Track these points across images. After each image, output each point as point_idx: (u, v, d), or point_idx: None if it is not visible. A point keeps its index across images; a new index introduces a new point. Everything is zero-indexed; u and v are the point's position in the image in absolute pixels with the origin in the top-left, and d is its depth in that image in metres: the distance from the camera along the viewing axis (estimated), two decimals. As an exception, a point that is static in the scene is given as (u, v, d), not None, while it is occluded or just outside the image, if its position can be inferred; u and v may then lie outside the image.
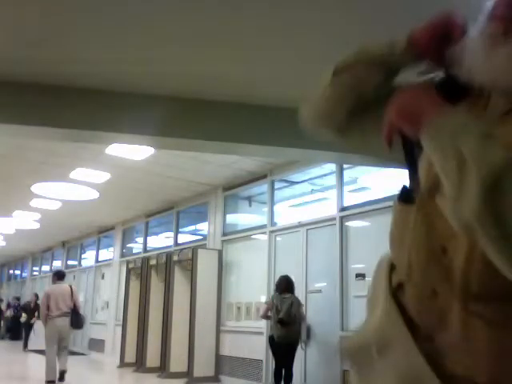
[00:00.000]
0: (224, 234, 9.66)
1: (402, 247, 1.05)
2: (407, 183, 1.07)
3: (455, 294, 0.93)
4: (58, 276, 8.53)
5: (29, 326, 15.70)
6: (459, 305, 0.93)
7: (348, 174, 7.47)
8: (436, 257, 0.96)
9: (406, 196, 1.06)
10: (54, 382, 7.96)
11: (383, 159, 1.31)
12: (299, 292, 7.52)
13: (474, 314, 0.91)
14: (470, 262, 0.91)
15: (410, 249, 1.02)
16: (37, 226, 13.98)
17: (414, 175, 1.05)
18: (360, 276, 6.77)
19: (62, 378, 8.12)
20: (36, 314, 14.73)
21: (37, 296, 15.78)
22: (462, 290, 0.92)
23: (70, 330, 8.28)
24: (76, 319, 8.16)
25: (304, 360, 7.36)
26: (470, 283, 0.91)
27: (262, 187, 8.94)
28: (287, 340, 6.77)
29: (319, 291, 7.59)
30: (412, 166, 1.05)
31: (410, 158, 1.06)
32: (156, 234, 12.92)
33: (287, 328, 6.72)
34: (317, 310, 7.46)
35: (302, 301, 7.28)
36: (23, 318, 16.13)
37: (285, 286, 6.98)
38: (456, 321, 0.92)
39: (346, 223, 7.17)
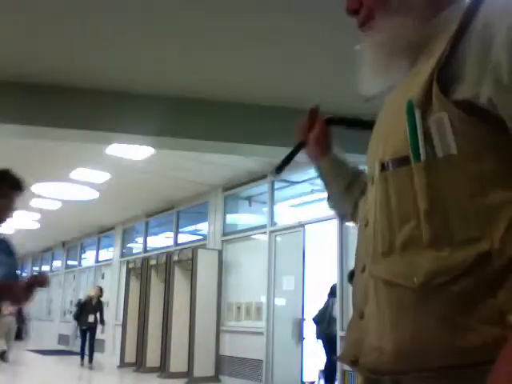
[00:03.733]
0: (224, 234, 9.66)
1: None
2: None
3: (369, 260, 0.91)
4: None
5: (90, 331, 11.33)
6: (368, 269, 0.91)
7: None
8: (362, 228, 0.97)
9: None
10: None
11: None
12: (299, 292, 7.52)
13: (377, 278, 0.87)
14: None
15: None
16: (37, 225, 13.98)
17: None
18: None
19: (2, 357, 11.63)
20: (97, 314, 11.42)
21: (101, 290, 11.93)
22: (372, 254, 0.90)
23: (15, 325, 12.66)
24: (20, 317, 12.54)
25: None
26: (376, 246, 0.89)
27: (262, 187, 8.94)
28: None
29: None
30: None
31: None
32: (156, 234, 12.91)
33: None
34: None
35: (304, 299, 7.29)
36: (90, 319, 11.29)
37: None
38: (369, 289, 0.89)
39: (346, 223, 7.16)
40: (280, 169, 1.35)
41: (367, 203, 0.95)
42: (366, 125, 1.13)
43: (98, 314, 11.29)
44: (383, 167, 0.86)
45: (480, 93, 0.76)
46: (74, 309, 16.06)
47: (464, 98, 0.78)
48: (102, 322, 11.40)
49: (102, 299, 11.62)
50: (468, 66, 0.79)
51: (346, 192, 1.27)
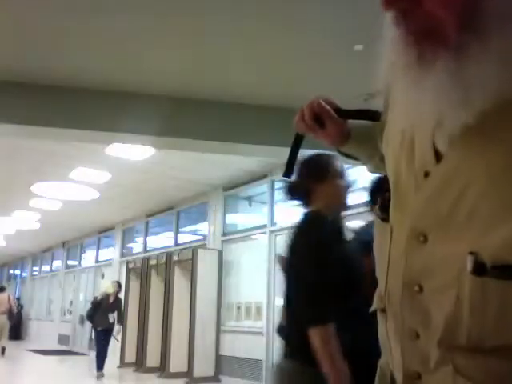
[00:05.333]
0: (224, 234, 9.66)
1: (380, 267, 0.90)
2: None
3: (435, 344, 0.76)
4: (0, 289, 14.00)
5: (107, 333, 9.79)
6: (441, 359, 0.76)
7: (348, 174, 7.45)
8: (411, 292, 0.79)
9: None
10: None
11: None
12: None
13: (461, 373, 0.74)
14: (456, 308, 0.73)
15: (386, 270, 0.86)
16: (37, 226, 13.97)
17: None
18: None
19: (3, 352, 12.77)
20: (115, 314, 9.86)
21: (119, 285, 10.35)
22: (443, 341, 0.75)
23: (7, 322, 13.57)
24: (11, 315, 13.81)
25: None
26: (456, 334, 0.73)
27: (262, 187, 8.94)
28: None
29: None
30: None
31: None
32: (156, 234, 12.91)
33: None
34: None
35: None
36: (110, 317, 9.77)
37: None
38: (440, 376, 0.77)
39: (346, 223, 7.16)
40: (288, 172, 1.28)
41: (413, 261, 0.78)
42: (376, 117, 1.04)
43: (115, 314, 9.76)
44: (479, 267, 0.68)
45: None
46: (73, 308, 16.12)
47: None
48: (120, 321, 9.99)
49: (120, 296, 10.21)
50: None
51: (382, 161, 1.03)
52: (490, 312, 0.69)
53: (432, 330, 0.76)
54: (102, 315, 9.63)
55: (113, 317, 9.68)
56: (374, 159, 1.17)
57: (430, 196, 0.76)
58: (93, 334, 10.34)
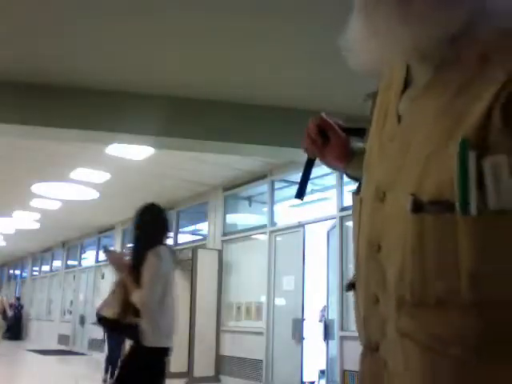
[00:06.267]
0: (224, 234, 9.66)
1: (354, 235, 0.93)
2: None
3: (389, 306, 0.78)
4: None
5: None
6: (392, 322, 0.78)
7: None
8: (372, 253, 0.82)
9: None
10: None
11: None
12: (299, 292, 7.51)
13: (407, 336, 0.75)
14: (402, 259, 0.75)
15: (358, 235, 0.90)
16: (37, 226, 13.97)
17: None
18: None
19: None
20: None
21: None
22: (395, 301, 0.77)
23: (3, 324, 14.73)
24: (5, 316, 14.97)
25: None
26: (402, 288, 0.76)
27: (262, 187, 8.94)
28: None
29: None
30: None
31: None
32: (156, 234, 12.89)
33: None
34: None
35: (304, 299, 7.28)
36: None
37: None
38: (391, 343, 0.78)
39: (346, 223, 7.16)
40: (300, 194, 1.25)
41: (374, 221, 0.83)
42: None
43: None
44: (417, 205, 0.73)
45: None
46: (73, 308, 16.10)
47: None
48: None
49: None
50: None
51: None
52: (429, 253, 0.71)
53: (387, 292, 0.78)
54: None
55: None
56: None
57: (391, 155, 0.82)
58: (105, 336, 9.69)
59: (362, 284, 0.87)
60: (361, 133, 1.15)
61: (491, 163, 0.66)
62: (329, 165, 1.21)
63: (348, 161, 1.17)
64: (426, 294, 0.72)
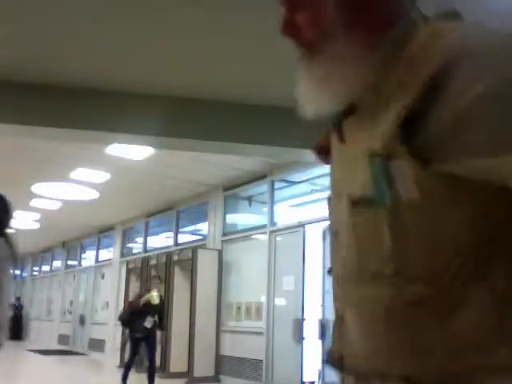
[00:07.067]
0: (224, 234, 9.66)
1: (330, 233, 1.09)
2: None
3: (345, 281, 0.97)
4: None
5: (149, 341, 8.11)
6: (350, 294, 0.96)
7: None
8: (333, 244, 1.00)
9: None
10: None
11: None
12: (299, 292, 7.50)
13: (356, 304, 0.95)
14: (346, 249, 0.95)
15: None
16: (37, 226, 13.98)
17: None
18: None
19: None
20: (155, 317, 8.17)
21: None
22: (347, 278, 0.95)
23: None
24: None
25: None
26: (350, 270, 0.94)
27: (262, 187, 8.95)
28: None
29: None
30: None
31: None
32: (156, 234, 12.92)
33: None
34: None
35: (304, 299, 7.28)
36: (148, 322, 7.98)
37: None
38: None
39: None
40: None
41: (334, 213, 1.00)
42: None
43: (156, 317, 8.13)
44: (352, 202, 0.91)
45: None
46: (73, 308, 16.11)
47: (460, 172, 0.79)
48: (163, 327, 8.50)
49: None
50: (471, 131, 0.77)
51: None
52: (362, 237, 0.89)
53: (344, 269, 0.97)
54: (143, 320, 7.95)
55: (153, 321, 8.05)
56: None
57: (343, 164, 0.99)
58: (129, 341, 8.56)
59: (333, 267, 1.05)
60: None
61: (395, 166, 0.84)
62: None
63: None
64: (364, 270, 0.90)
